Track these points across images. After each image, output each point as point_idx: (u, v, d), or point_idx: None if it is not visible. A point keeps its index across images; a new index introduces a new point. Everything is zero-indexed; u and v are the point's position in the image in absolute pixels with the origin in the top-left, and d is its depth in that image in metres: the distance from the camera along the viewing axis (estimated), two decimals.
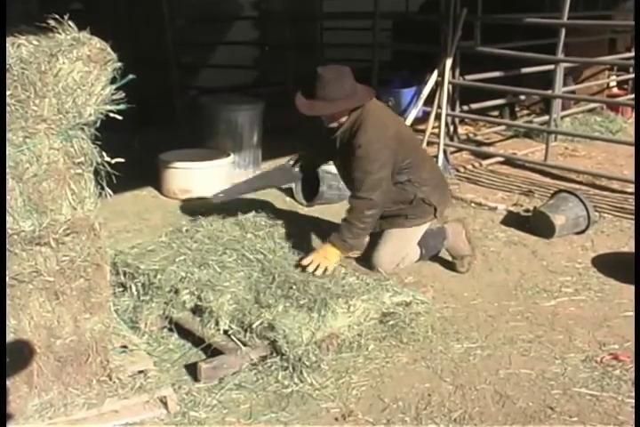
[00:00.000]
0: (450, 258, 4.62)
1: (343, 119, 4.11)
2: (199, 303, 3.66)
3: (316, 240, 4.43)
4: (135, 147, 7.07)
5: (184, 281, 3.78)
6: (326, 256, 3.95)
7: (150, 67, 7.21)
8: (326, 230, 4.28)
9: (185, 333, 3.69)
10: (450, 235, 4.53)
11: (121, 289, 3.89)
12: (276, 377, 3.33)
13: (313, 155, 4.65)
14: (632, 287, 4.32)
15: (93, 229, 2.83)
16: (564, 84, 8.10)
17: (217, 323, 3.55)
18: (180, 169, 6.11)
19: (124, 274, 3.92)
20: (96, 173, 2.80)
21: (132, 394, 3.00)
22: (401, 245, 4.31)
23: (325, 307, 3.49)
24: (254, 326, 3.44)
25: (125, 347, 3.24)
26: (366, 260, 4.36)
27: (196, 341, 3.59)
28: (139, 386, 3.03)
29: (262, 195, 6.23)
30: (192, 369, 3.39)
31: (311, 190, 5.75)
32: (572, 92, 8.51)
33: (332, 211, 5.35)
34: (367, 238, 4.39)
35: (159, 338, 3.70)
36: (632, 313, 4.03)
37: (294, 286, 3.71)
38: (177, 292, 3.74)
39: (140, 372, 3.11)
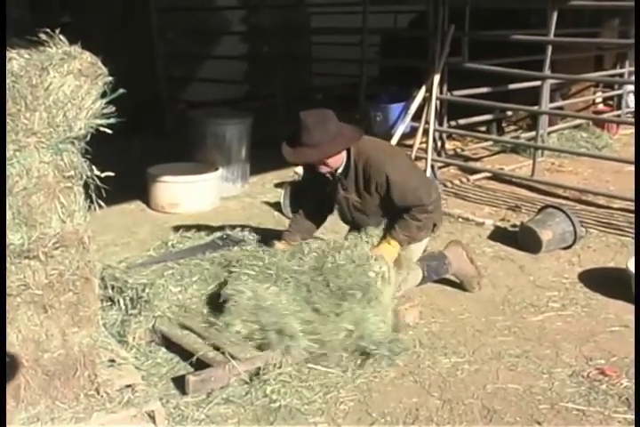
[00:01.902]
0: (457, 280, 4.60)
1: (337, 164, 4.05)
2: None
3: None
4: (134, 149, 7.10)
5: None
6: (388, 253, 3.96)
7: (140, 80, 7.23)
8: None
9: (173, 347, 3.69)
10: (452, 261, 4.50)
11: (109, 303, 3.88)
12: (264, 391, 3.33)
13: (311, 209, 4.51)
14: (618, 302, 4.35)
15: (82, 242, 2.83)
16: (553, 100, 8.16)
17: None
18: (168, 183, 6.12)
19: (112, 288, 3.92)
20: (85, 186, 2.80)
21: (120, 408, 2.98)
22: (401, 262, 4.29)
23: (372, 294, 3.59)
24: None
25: (113, 361, 3.22)
26: None
27: (185, 355, 3.59)
28: (126, 400, 3.01)
29: (250, 208, 6.27)
30: (180, 383, 3.38)
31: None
32: (560, 107, 8.58)
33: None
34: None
35: (147, 352, 3.69)
36: (618, 328, 4.06)
37: (323, 289, 3.73)
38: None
39: (128, 386, 3.10)
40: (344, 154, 4.04)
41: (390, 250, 3.99)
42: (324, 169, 4.06)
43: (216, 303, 3.82)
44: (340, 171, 4.10)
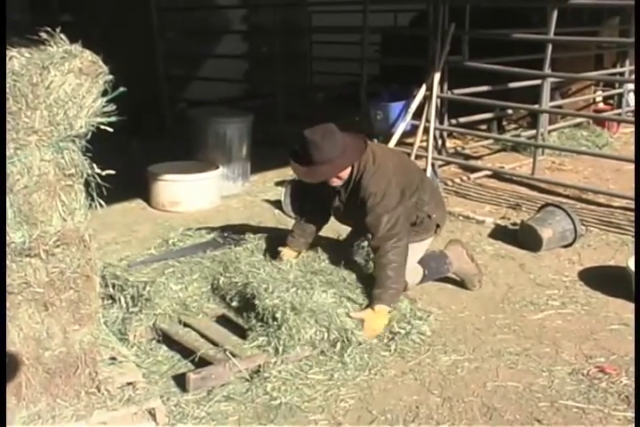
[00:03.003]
0: (457, 278, 4.60)
1: (346, 175, 4.04)
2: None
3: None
4: (134, 150, 7.11)
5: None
6: (379, 317, 3.84)
7: (140, 79, 7.24)
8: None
9: (174, 344, 3.70)
10: (453, 260, 4.50)
11: (110, 301, 3.89)
12: (264, 389, 3.34)
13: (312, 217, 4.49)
14: (618, 301, 4.36)
15: (83, 240, 2.84)
16: (553, 99, 8.17)
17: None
18: (169, 181, 6.13)
19: (113, 286, 3.93)
20: (86, 184, 2.81)
21: (121, 406, 2.99)
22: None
23: None
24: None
25: (114, 359, 3.23)
26: None
27: (185, 352, 3.60)
28: (127, 398, 3.02)
29: (251, 207, 6.28)
30: (180, 381, 3.39)
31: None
32: (560, 106, 8.59)
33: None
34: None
35: (148, 350, 3.71)
36: (618, 326, 4.06)
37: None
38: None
39: (129, 384, 3.11)
40: (349, 168, 4.02)
41: (372, 317, 3.83)
42: (335, 182, 4.04)
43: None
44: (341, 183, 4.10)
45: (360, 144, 4.01)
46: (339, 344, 3.61)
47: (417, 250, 4.27)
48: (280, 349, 3.50)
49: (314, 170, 3.93)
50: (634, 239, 5.28)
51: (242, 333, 3.69)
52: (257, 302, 3.68)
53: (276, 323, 3.58)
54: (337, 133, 3.94)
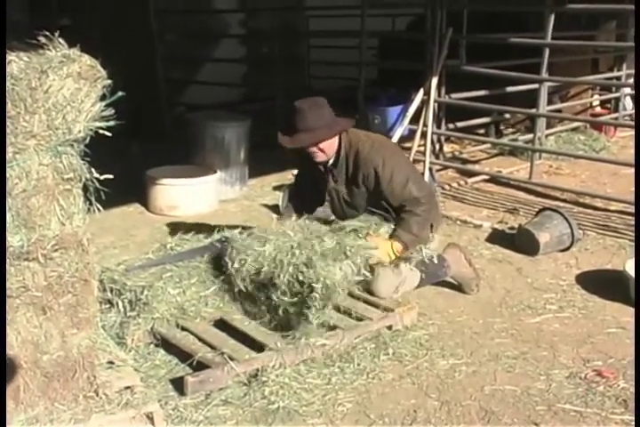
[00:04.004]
0: (455, 282, 4.61)
1: (331, 152, 4.12)
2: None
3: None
4: (133, 153, 7.11)
5: None
6: (393, 250, 3.98)
7: (139, 82, 7.25)
8: None
9: (172, 348, 3.70)
10: (451, 264, 4.51)
11: (108, 305, 3.88)
12: (262, 393, 3.34)
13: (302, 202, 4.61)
14: (615, 304, 4.37)
15: (81, 244, 2.84)
16: (552, 103, 8.19)
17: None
18: (167, 185, 6.13)
19: (111, 290, 3.92)
20: (84, 188, 2.81)
21: (119, 410, 2.98)
22: (399, 263, 4.30)
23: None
24: None
25: (112, 363, 3.23)
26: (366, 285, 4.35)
27: (183, 356, 3.60)
28: (125, 402, 3.02)
29: (249, 211, 6.28)
30: (178, 384, 3.39)
31: None
32: (559, 110, 8.61)
33: None
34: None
35: (146, 354, 3.70)
36: (615, 330, 4.07)
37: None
38: None
39: (127, 388, 3.10)
40: (337, 142, 4.12)
41: (386, 248, 3.98)
42: (318, 156, 4.12)
43: None
44: (331, 161, 4.17)
45: (348, 122, 4.13)
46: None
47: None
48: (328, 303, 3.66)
49: (296, 137, 4.04)
50: (632, 243, 5.30)
51: (240, 336, 3.70)
52: (276, 279, 3.73)
53: (305, 285, 3.64)
54: (325, 107, 4.07)
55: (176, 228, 5.49)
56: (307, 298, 3.65)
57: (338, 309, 4.00)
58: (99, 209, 2.83)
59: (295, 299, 3.70)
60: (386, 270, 4.22)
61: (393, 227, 4.12)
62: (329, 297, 3.68)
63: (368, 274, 3.89)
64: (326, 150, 4.11)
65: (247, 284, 3.88)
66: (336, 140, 4.14)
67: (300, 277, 3.66)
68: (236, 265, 3.89)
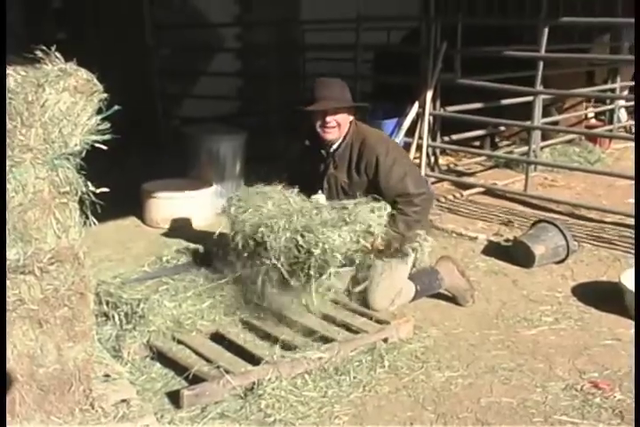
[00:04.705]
0: (449, 295, 4.61)
1: (343, 131, 4.19)
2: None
3: None
4: (129, 165, 7.12)
5: None
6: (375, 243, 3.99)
7: (134, 96, 7.26)
8: None
9: (168, 362, 3.70)
10: (444, 275, 4.52)
11: (104, 318, 3.89)
12: (258, 406, 3.33)
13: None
14: (611, 316, 4.37)
15: (77, 258, 2.85)
16: (549, 115, 8.24)
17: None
18: (163, 199, 6.14)
19: (107, 303, 3.93)
20: (80, 201, 2.82)
21: (115, 423, 2.98)
22: (394, 276, 4.31)
23: None
24: None
25: (108, 376, 3.23)
26: (362, 298, 4.35)
27: (179, 369, 3.60)
28: (121, 415, 3.02)
29: None
30: (174, 398, 3.39)
31: None
32: (556, 122, 8.65)
33: None
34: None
35: (142, 367, 3.70)
36: (611, 341, 4.07)
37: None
38: None
39: (123, 401, 3.10)
40: (348, 125, 4.20)
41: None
42: (331, 132, 4.18)
43: None
44: (335, 146, 4.23)
45: (364, 105, 4.37)
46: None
47: (402, 266, 4.32)
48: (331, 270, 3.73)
49: (318, 103, 4.11)
50: (627, 254, 5.33)
51: (236, 350, 3.70)
52: (272, 242, 3.78)
53: (302, 250, 3.70)
54: (346, 86, 4.24)
55: (172, 241, 5.50)
56: (304, 264, 3.69)
57: (334, 321, 4.01)
58: (94, 222, 2.84)
59: (293, 265, 3.74)
60: (382, 283, 4.24)
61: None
62: (327, 263, 3.71)
63: (366, 243, 3.90)
64: (341, 125, 4.18)
65: (245, 239, 3.92)
66: (349, 120, 4.22)
67: (300, 242, 3.69)
68: (233, 211, 3.99)
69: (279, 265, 3.76)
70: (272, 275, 3.84)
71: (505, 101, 7.77)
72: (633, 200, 6.43)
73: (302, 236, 3.72)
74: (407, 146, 7.13)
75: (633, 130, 9.87)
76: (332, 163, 4.26)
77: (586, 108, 9.61)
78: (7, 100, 2.56)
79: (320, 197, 4.30)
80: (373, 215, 3.92)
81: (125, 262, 5.16)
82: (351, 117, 4.23)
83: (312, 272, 3.73)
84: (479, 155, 8.40)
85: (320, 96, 4.11)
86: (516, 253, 5.30)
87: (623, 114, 9.96)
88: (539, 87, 6.92)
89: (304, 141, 4.44)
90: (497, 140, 9.26)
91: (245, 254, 3.97)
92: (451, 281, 4.52)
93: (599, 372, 3.74)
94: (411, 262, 4.37)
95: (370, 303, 4.25)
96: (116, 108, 2.80)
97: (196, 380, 3.47)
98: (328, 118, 4.14)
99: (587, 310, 4.51)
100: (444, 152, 8.24)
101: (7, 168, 2.62)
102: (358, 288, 4.41)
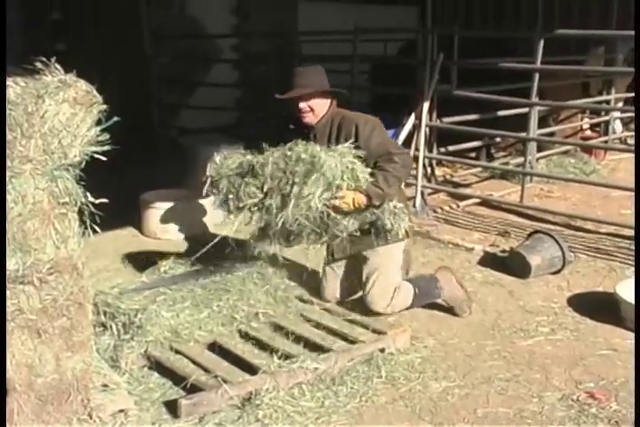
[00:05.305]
0: (446, 305, 4.61)
1: (320, 114, 4.27)
2: None
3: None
4: (126, 176, 7.12)
5: None
6: (356, 199, 3.99)
7: (133, 106, 7.28)
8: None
9: (165, 371, 3.70)
10: (444, 285, 4.53)
11: (101, 328, 3.89)
12: (256, 416, 3.34)
13: None
14: (607, 326, 4.39)
15: (76, 268, 2.86)
16: (546, 126, 8.27)
17: None
18: (160, 209, 6.15)
19: (105, 313, 3.94)
20: (79, 212, 2.83)
21: None
22: (388, 270, 4.34)
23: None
24: None
25: (106, 386, 3.23)
26: (359, 300, 4.38)
27: (177, 379, 3.61)
28: (119, 425, 3.04)
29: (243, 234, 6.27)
30: (172, 407, 3.39)
31: None
32: (553, 133, 8.69)
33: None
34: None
35: (139, 377, 3.70)
36: (607, 352, 4.09)
37: None
38: None
39: (121, 411, 3.11)
40: (326, 107, 4.31)
41: (350, 198, 3.98)
42: (307, 116, 4.28)
43: None
44: (315, 123, 4.31)
45: (342, 91, 4.46)
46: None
47: (394, 253, 4.38)
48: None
49: (292, 91, 4.27)
50: (623, 265, 5.35)
51: (234, 359, 3.71)
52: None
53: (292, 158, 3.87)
54: (324, 73, 4.43)
55: (169, 251, 5.50)
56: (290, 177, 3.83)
57: (331, 331, 4.03)
58: (94, 231, 2.85)
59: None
60: (377, 282, 4.29)
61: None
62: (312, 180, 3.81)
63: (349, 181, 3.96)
64: (316, 110, 4.27)
65: (230, 180, 4.04)
66: (326, 104, 4.32)
67: (289, 153, 3.88)
68: (217, 158, 4.15)
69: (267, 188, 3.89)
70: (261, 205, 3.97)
71: (501, 113, 7.81)
72: (629, 211, 6.50)
73: (290, 149, 3.90)
74: None
75: (628, 141, 9.95)
76: (313, 137, 4.31)
77: (581, 120, 9.65)
78: (7, 112, 2.58)
79: None
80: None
81: (123, 273, 5.18)
82: (327, 101, 4.32)
83: (295, 187, 3.82)
84: (475, 166, 8.42)
85: (295, 84, 4.27)
86: (512, 264, 5.31)
87: (618, 125, 10.02)
88: (534, 99, 6.96)
89: (288, 125, 4.52)
90: (493, 151, 9.29)
91: (231, 196, 4.04)
92: (449, 291, 4.54)
93: (595, 382, 3.76)
94: (401, 253, 4.40)
95: (368, 304, 4.29)
96: (116, 119, 2.82)
97: (193, 389, 3.47)
98: (301, 104, 4.26)
99: (582, 320, 4.52)
100: (440, 163, 8.26)
101: (7, 179, 2.64)
102: (353, 297, 4.48)
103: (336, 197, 3.89)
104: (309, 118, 4.28)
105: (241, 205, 4.00)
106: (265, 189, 3.91)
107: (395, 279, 4.34)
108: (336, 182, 3.86)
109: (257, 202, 3.96)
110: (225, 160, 4.13)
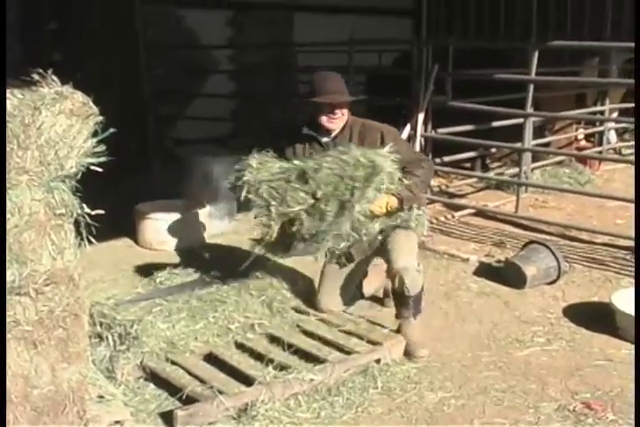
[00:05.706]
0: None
1: (344, 121, 4.33)
2: None
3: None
4: (122, 187, 7.12)
5: None
6: (389, 203, 4.09)
7: (128, 117, 7.30)
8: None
9: (161, 383, 3.70)
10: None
11: (97, 339, 3.89)
12: None
13: None
14: (602, 337, 4.39)
15: (72, 279, 2.86)
16: (541, 136, 8.30)
17: None
18: (156, 220, 6.15)
19: (101, 324, 3.93)
20: (76, 223, 2.84)
21: None
22: (411, 241, 4.34)
23: None
24: None
25: (102, 397, 3.23)
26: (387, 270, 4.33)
27: (173, 391, 3.60)
28: None
29: (239, 245, 6.28)
30: (168, 418, 3.39)
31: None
32: (549, 143, 8.73)
33: (307, 263, 5.35)
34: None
35: (135, 388, 3.70)
36: (603, 362, 4.09)
37: None
38: None
39: (117, 422, 3.11)
40: (349, 114, 4.37)
41: (383, 201, 4.08)
42: (335, 122, 4.30)
43: None
44: (334, 134, 4.35)
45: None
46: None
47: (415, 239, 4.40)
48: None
49: (328, 97, 4.23)
50: (618, 275, 5.36)
51: (230, 370, 3.71)
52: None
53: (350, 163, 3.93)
54: (343, 79, 4.42)
55: (165, 262, 5.51)
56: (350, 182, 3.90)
57: (325, 342, 4.03)
58: (90, 242, 2.86)
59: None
60: (404, 245, 4.28)
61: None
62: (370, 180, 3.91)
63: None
64: (344, 115, 4.32)
65: (275, 184, 4.04)
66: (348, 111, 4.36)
67: (345, 157, 3.92)
68: (254, 163, 4.18)
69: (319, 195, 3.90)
70: (311, 211, 3.98)
71: (496, 123, 7.84)
72: (624, 221, 6.51)
73: (345, 153, 3.95)
74: None
75: (623, 151, 9.98)
76: (332, 143, 4.32)
77: (576, 130, 9.68)
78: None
79: None
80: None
81: (119, 284, 5.17)
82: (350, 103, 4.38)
83: (357, 192, 3.88)
84: (470, 176, 8.45)
85: (326, 89, 4.24)
86: (507, 275, 5.32)
87: (613, 136, 10.06)
88: (529, 110, 6.99)
89: (302, 129, 4.49)
90: (488, 161, 9.30)
91: (273, 202, 4.02)
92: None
93: (591, 392, 3.76)
94: (417, 242, 4.42)
95: (394, 264, 4.18)
96: (112, 130, 2.83)
97: (189, 401, 3.47)
98: (337, 111, 4.28)
99: (578, 330, 4.53)
100: (435, 174, 8.27)
101: None
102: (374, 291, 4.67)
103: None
104: (337, 124, 4.33)
105: (287, 210, 3.99)
106: (318, 195, 3.91)
107: (416, 250, 4.35)
108: (386, 187, 3.91)
109: (306, 208, 3.96)
110: (262, 165, 4.10)
